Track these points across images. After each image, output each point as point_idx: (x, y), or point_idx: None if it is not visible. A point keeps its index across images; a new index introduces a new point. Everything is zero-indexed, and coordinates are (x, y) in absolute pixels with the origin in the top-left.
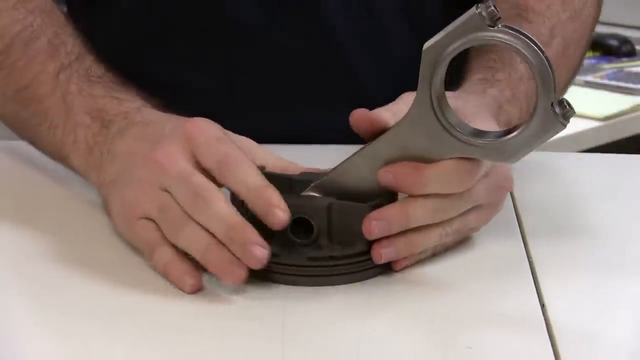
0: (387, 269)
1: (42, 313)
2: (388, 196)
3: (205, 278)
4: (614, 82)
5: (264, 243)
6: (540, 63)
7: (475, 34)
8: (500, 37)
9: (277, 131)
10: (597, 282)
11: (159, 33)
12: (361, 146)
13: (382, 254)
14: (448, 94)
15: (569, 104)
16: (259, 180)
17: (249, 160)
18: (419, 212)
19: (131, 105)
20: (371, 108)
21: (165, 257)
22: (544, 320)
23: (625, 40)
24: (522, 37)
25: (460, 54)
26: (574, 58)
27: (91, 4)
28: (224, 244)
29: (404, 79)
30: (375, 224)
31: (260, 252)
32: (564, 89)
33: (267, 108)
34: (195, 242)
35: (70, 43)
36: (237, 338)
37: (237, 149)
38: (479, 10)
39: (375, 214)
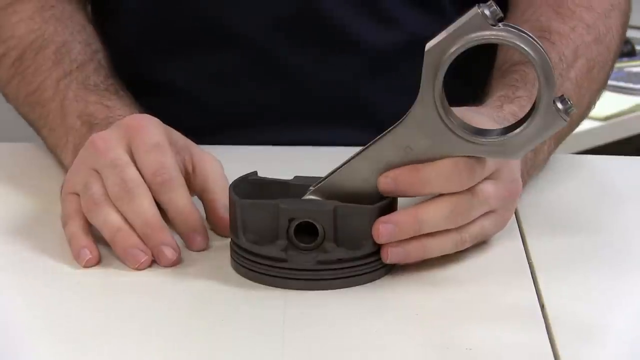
0: (393, 269)
1: (41, 312)
2: (390, 198)
3: (208, 280)
4: (614, 82)
5: (176, 246)
6: (542, 60)
7: (478, 33)
8: (502, 36)
9: (277, 138)
10: (596, 282)
11: (163, 43)
12: (360, 148)
13: (389, 253)
14: (463, 108)
15: (569, 100)
16: (188, 205)
17: (180, 178)
18: (430, 217)
19: (118, 113)
20: (377, 124)
21: (74, 229)
22: (543, 321)
23: (625, 41)
24: (524, 35)
25: (463, 53)
26: (598, 80)
27: (100, 13)
28: (134, 231)
29: (412, 93)
30: (384, 227)
31: (170, 253)
32: (587, 111)
33: (270, 122)
34: (108, 222)
35: (76, 51)
36: (237, 338)
37: (172, 160)
38: (480, 9)
39: (386, 217)
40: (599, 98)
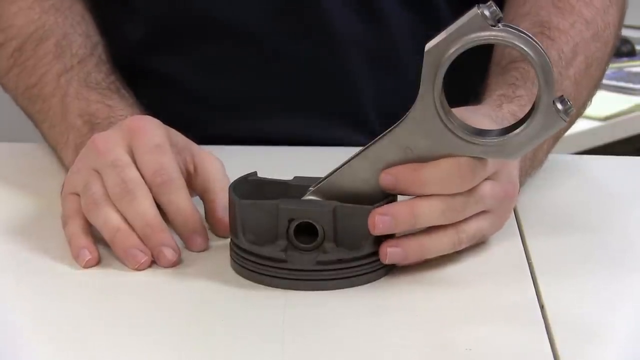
0: (393, 269)
1: (41, 312)
2: (390, 198)
3: (208, 280)
4: (614, 82)
5: (176, 247)
6: (542, 61)
7: (477, 34)
8: (502, 37)
9: (276, 137)
10: (596, 282)
11: (164, 32)
12: (360, 148)
13: (387, 253)
14: (462, 108)
15: (569, 100)
16: (188, 206)
17: (180, 179)
18: (426, 210)
19: (120, 113)
20: (368, 118)
21: (73, 229)
22: (543, 321)
23: (625, 40)
24: (524, 36)
25: (463, 52)
26: (595, 77)
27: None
28: (133, 231)
29: (407, 88)
30: (380, 218)
31: (170, 254)
32: (583, 108)
33: (263, 113)
34: (108, 223)
35: (77, 45)
36: (237, 338)
37: (172, 161)
38: (480, 10)
39: (382, 209)
40: (594, 94)
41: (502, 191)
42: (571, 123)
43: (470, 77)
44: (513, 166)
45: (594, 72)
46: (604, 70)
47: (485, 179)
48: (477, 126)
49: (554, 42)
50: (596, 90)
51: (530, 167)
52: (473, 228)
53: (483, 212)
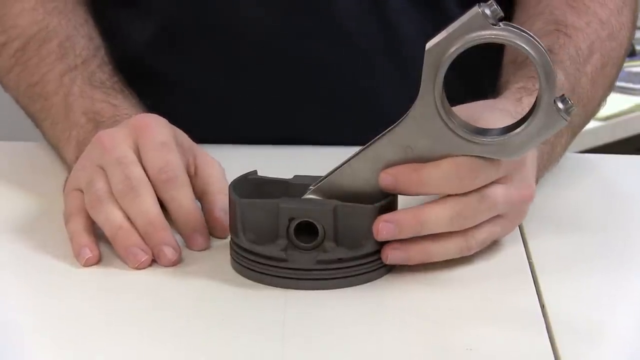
0: (393, 268)
1: (41, 310)
2: (390, 198)
3: (208, 279)
4: None
5: (177, 246)
6: (543, 60)
7: (478, 33)
8: (503, 35)
9: (280, 137)
10: (597, 282)
11: (172, 33)
12: (360, 148)
13: (388, 255)
14: (480, 103)
15: (570, 100)
16: (191, 205)
17: (185, 177)
18: (432, 218)
19: (124, 112)
20: (375, 116)
21: (75, 226)
22: (544, 321)
23: None
24: (525, 35)
25: (463, 52)
26: (610, 76)
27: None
28: (135, 229)
29: (416, 86)
30: (384, 225)
31: (171, 253)
32: (598, 107)
33: (274, 111)
34: (109, 220)
35: (80, 46)
36: (237, 338)
37: (178, 159)
38: (481, 8)
39: (387, 216)
40: (609, 94)
41: (517, 195)
42: (588, 119)
43: (474, 76)
44: (530, 166)
45: (609, 71)
46: (619, 70)
47: (498, 182)
48: (493, 123)
49: (571, 39)
50: (611, 90)
51: (548, 161)
52: (484, 234)
53: (496, 217)
